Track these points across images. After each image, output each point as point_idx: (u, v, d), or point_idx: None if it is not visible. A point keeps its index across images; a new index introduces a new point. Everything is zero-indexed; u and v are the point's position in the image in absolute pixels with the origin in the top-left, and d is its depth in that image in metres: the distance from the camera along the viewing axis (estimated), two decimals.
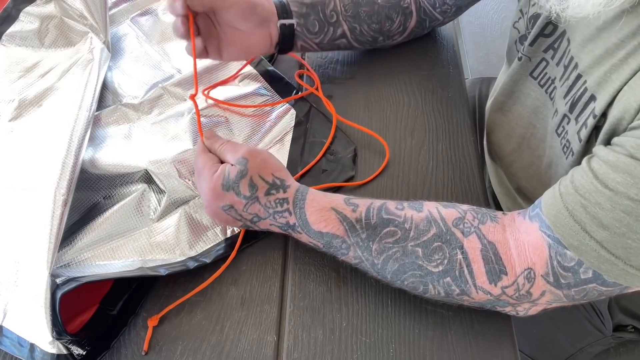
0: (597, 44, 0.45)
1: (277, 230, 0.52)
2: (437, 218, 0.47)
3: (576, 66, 0.49)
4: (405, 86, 0.70)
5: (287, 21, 0.61)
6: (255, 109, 0.66)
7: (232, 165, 0.50)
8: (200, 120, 0.63)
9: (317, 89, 0.68)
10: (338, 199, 0.50)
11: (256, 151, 0.51)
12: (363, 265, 0.49)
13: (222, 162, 0.53)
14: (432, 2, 0.68)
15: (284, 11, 0.61)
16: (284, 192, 0.50)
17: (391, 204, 0.49)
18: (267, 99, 0.68)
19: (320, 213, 0.49)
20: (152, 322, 0.51)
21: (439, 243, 0.46)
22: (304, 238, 0.51)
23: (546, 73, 0.57)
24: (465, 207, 0.48)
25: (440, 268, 0.45)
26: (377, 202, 0.49)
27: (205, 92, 0.65)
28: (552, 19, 0.53)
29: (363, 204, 0.49)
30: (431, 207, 0.48)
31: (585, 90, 0.47)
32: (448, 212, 0.48)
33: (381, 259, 0.47)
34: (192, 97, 0.57)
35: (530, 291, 0.44)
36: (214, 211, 0.51)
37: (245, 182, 0.49)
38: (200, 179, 0.52)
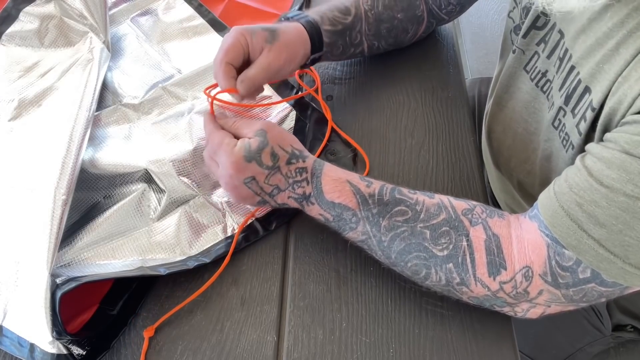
0: (588, 35, 0.45)
1: (293, 203, 0.52)
2: (448, 205, 0.48)
3: (570, 58, 0.49)
4: (405, 86, 0.70)
5: (317, 54, 0.62)
6: (255, 108, 0.67)
7: (250, 138, 0.50)
8: (202, 121, 0.63)
9: (316, 91, 0.68)
10: (353, 174, 0.51)
11: (272, 124, 0.52)
12: (369, 242, 0.49)
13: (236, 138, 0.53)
14: (438, 3, 0.69)
15: (316, 45, 0.61)
16: (303, 161, 0.51)
17: (404, 188, 0.50)
18: (268, 99, 0.68)
19: (335, 184, 0.49)
20: (147, 332, 0.50)
21: (447, 228, 0.46)
22: (315, 210, 0.51)
23: (536, 67, 0.57)
24: (475, 202, 0.49)
25: (445, 252, 0.46)
26: (390, 184, 0.50)
27: (207, 91, 0.65)
28: (539, 11, 0.53)
29: (377, 182, 0.50)
30: (442, 197, 0.49)
31: (579, 82, 0.47)
32: (458, 202, 0.49)
33: (389, 237, 0.48)
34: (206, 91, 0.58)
35: (528, 290, 0.44)
36: (234, 186, 0.51)
37: (267, 152, 0.49)
38: (218, 155, 0.51)
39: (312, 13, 0.62)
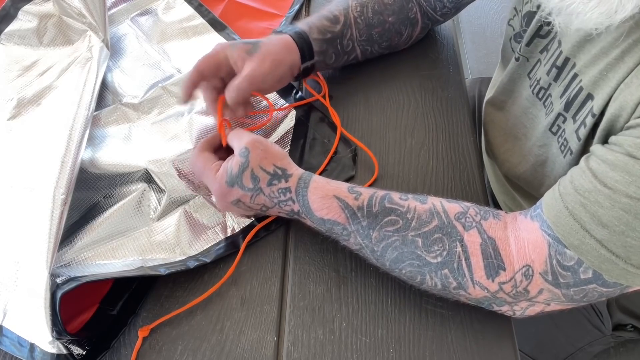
0: (593, 44, 0.46)
1: (285, 216, 0.54)
2: (440, 211, 0.48)
3: (574, 66, 0.49)
4: (405, 86, 0.70)
5: (309, 62, 0.62)
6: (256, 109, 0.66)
7: (235, 157, 0.51)
8: (202, 121, 0.63)
9: (324, 96, 0.68)
10: (342, 186, 0.51)
11: (258, 141, 0.52)
12: (363, 251, 0.50)
13: (225, 150, 0.56)
14: (433, 6, 0.69)
15: (306, 55, 0.62)
16: (286, 181, 0.51)
17: (395, 194, 0.50)
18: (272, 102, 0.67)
19: (323, 201, 0.49)
20: (142, 332, 0.50)
21: (440, 235, 0.46)
22: (308, 222, 0.52)
23: (537, 74, 0.57)
24: (468, 203, 0.49)
25: (439, 259, 0.46)
26: (381, 192, 0.50)
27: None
28: (542, 20, 0.53)
29: (366, 193, 0.50)
30: (435, 201, 0.49)
31: (581, 89, 0.47)
32: (451, 206, 0.48)
33: (380, 247, 0.48)
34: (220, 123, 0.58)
35: (528, 288, 0.44)
36: (225, 206, 0.55)
37: (247, 174, 0.50)
38: (204, 179, 0.55)
39: (301, 24, 0.63)
